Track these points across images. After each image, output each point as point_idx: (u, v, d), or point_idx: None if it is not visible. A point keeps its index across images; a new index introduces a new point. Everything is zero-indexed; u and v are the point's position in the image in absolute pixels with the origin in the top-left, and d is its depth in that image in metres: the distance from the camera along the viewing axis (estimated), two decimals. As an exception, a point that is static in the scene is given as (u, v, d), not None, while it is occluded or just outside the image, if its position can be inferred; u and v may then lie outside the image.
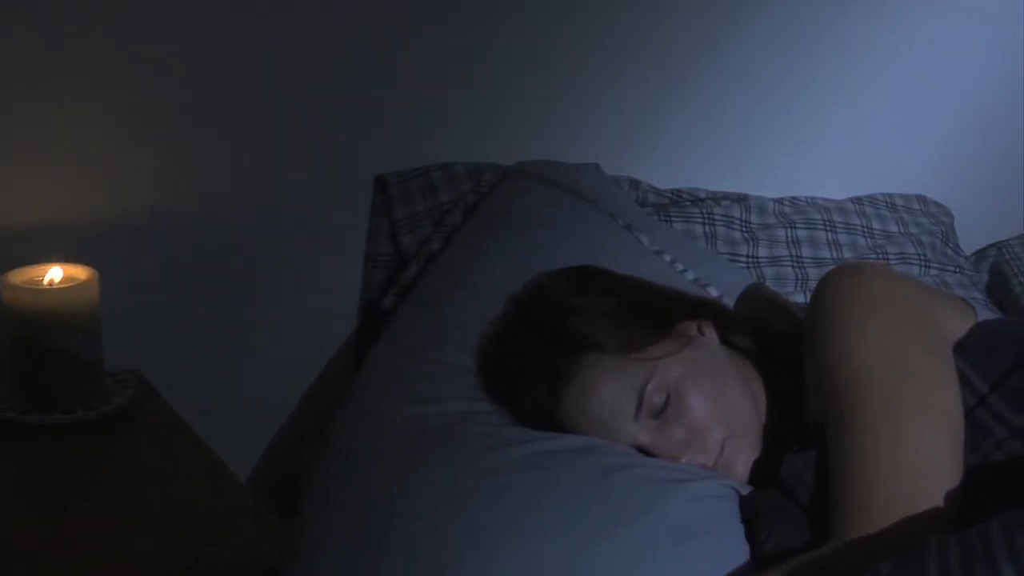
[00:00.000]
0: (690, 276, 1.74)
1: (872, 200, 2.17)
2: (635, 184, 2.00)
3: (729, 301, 1.68)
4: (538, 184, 1.83)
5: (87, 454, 1.48)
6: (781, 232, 2.01)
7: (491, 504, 1.32)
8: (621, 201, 1.89)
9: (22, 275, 1.53)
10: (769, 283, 1.91)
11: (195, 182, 1.77)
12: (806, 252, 2.00)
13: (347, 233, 1.86)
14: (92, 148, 1.69)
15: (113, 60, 1.67)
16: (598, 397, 1.42)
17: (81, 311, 1.51)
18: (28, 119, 1.65)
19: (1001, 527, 1.03)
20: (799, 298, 1.91)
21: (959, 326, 1.37)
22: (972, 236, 2.26)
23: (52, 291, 1.51)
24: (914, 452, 1.24)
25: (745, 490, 1.36)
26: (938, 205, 2.24)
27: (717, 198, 2.02)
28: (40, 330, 1.50)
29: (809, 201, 2.10)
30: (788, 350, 1.47)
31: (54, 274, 1.53)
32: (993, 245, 2.29)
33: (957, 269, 2.12)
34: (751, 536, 1.30)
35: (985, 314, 1.70)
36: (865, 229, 2.09)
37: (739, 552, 1.30)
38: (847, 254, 2.03)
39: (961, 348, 1.34)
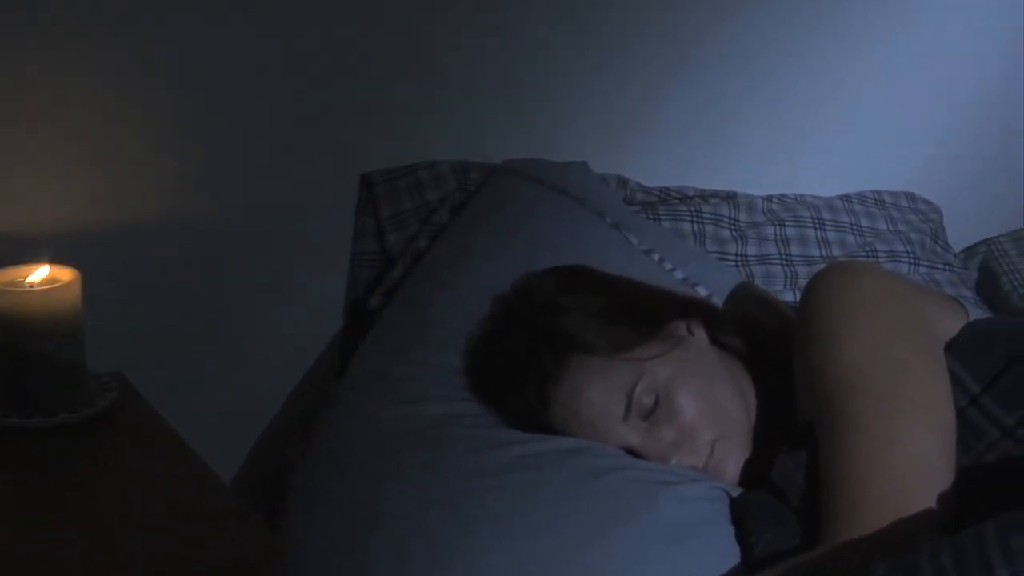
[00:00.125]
0: (679, 275, 1.73)
1: (861, 197, 2.17)
2: (623, 182, 1.99)
3: (718, 300, 1.68)
4: (525, 182, 1.83)
5: (69, 457, 1.47)
6: (770, 230, 2.01)
7: (481, 505, 1.32)
8: (609, 199, 1.88)
9: (3, 276, 1.52)
10: (758, 281, 1.91)
11: (178, 183, 1.76)
12: (795, 250, 2.00)
13: (333, 232, 1.85)
14: (76, 150, 1.68)
15: (96, 63, 1.66)
16: (587, 398, 1.41)
17: (63, 313, 1.49)
18: (11, 121, 1.63)
19: (995, 529, 1.02)
20: (788, 296, 1.91)
21: (950, 325, 1.37)
22: (961, 233, 2.26)
23: (34, 293, 1.50)
24: (905, 451, 1.23)
25: (735, 492, 1.36)
26: (927, 202, 2.24)
27: (706, 196, 2.02)
28: (21, 332, 1.48)
29: (798, 199, 2.10)
30: (778, 349, 1.46)
31: (36, 275, 1.52)
32: (982, 242, 2.29)
33: (946, 267, 2.12)
34: (742, 538, 1.30)
35: (975, 312, 1.69)
36: (854, 227, 2.09)
37: (729, 554, 1.30)
38: (836, 252, 2.03)
39: (952, 348, 1.34)
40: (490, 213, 1.78)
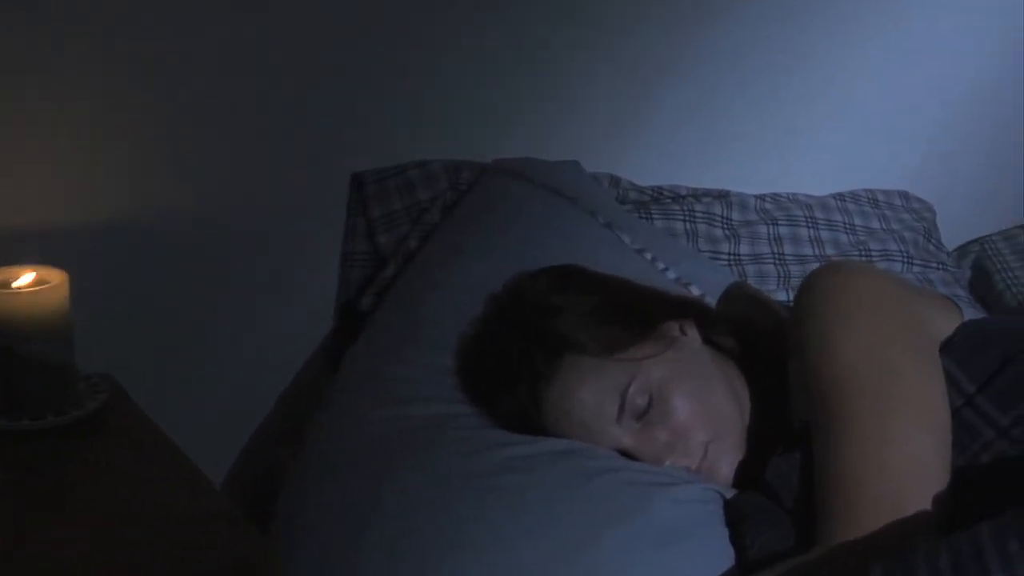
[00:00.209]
0: (672, 275, 1.73)
1: (854, 196, 2.16)
2: (615, 181, 1.99)
3: (711, 300, 1.67)
4: (517, 182, 1.82)
5: (59, 460, 1.47)
6: (763, 229, 2.00)
7: (473, 507, 1.32)
8: (601, 198, 1.88)
9: (-9, 278, 1.51)
10: (751, 281, 1.91)
11: (167, 182, 1.75)
12: (788, 249, 2.00)
13: (323, 232, 1.84)
14: (63, 149, 1.67)
15: (84, 61, 1.65)
16: (579, 399, 1.41)
17: (52, 314, 1.48)
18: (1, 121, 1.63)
19: (992, 532, 1.02)
20: (781, 296, 1.91)
21: (945, 325, 1.37)
22: (954, 232, 2.26)
23: (22, 294, 1.49)
24: (900, 451, 1.23)
25: (729, 493, 1.36)
26: (920, 201, 2.24)
27: (698, 195, 2.02)
28: (9, 334, 1.47)
29: (791, 197, 2.10)
30: (771, 349, 1.46)
31: (24, 277, 1.51)
32: (975, 241, 2.29)
33: (940, 266, 2.12)
34: (736, 540, 1.30)
35: (969, 311, 1.69)
36: (847, 226, 2.08)
37: (724, 557, 1.30)
38: (829, 251, 2.03)
39: (947, 348, 1.33)
40: (482, 212, 1.78)
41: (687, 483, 1.34)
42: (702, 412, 1.40)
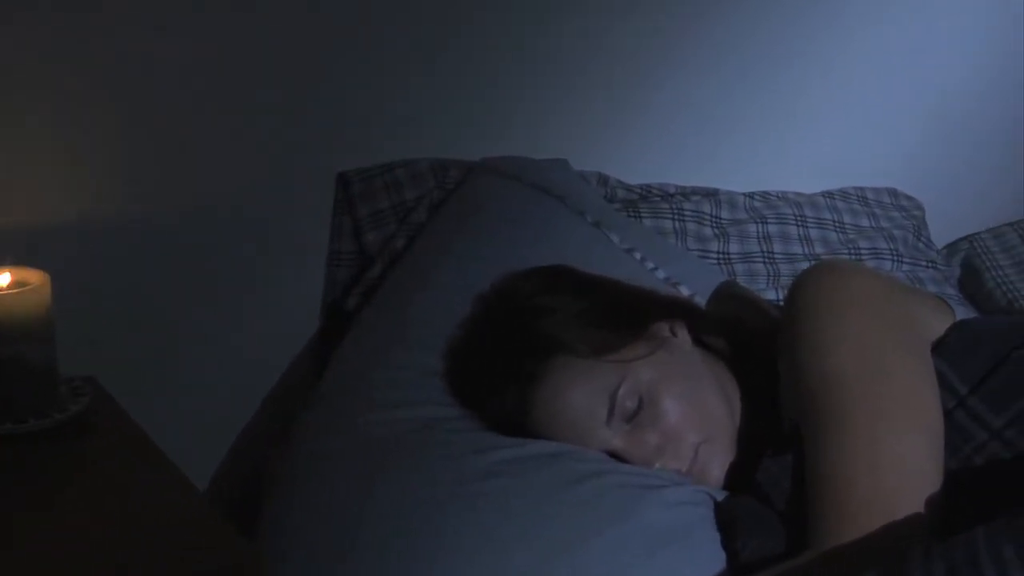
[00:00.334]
0: (661, 275, 1.72)
1: (843, 194, 2.16)
2: (603, 179, 1.98)
3: (701, 300, 1.67)
4: (505, 181, 1.81)
5: (41, 463, 1.46)
6: (752, 228, 1.99)
7: (463, 510, 1.31)
8: (590, 197, 1.87)
9: (-30, 280, 1.50)
10: (740, 280, 1.90)
11: (150, 183, 1.75)
12: (777, 248, 1.99)
13: (309, 232, 1.83)
14: (44, 149, 1.67)
15: (66, 60, 1.65)
16: (568, 400, 1.40)
17: (33, 316, 1.47)
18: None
19: (986, 537, 1.01)
20: (771, 295, 1.90)
21: (937, 326, 1.36)
22: (943, 230, 2.26)
23: (2, 296, 1.47)
24: (891, 451, 1.22)
25: (720, 495, 1.35)
26: (909, 198, 2.23)
27: (687, 193, 2.01)
28: (-10, 337, 1.46)
29: (780, 195, 2.09)
30: (762, 349, 1.45)
31: (4, 278, 1.49)
32: (965, 239, 2.28)
33: (930, 264, 2.11)
34: (727, 544, 1.29)
35: (959, 309, 1.69)
36: (837, 224, 2.08)
37: (715, 560, 1.29)
38: (819, 249, 2.02)
39: (939, 348, 1.33)
40: (469, 212, 1.77)
41: (677, 485, 1.34)
42: (693, 414, 1.39)
